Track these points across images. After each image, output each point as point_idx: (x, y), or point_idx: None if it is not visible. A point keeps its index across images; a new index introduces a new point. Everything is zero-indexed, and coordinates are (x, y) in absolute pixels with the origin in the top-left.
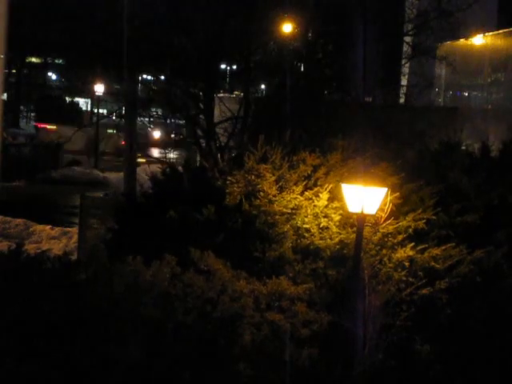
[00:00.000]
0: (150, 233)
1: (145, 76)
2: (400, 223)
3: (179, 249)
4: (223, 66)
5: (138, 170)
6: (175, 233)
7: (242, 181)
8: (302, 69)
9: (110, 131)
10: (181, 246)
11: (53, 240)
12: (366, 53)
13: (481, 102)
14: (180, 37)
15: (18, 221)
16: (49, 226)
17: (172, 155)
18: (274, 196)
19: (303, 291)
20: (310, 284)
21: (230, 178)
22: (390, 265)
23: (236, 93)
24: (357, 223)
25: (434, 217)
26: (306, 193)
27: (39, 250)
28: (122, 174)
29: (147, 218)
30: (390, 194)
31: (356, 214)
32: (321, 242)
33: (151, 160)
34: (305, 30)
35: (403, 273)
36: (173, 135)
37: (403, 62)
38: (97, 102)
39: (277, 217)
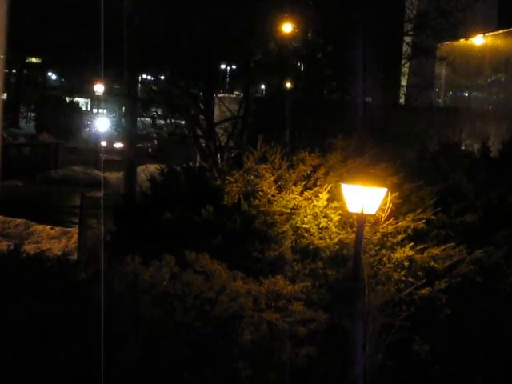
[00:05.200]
0: (148, 233)
1: (145, 76)
2: (400, 223)
3: (178, 249)
4: (223, 66)
5: (138, 170)
6: (174, 233)
7: (241, 180)
8: (302, 69)
9: None
10: (179, 247)
11: (53, 240)
12: (365, 53)
13: (481, 102)
14: (180, 37)
15: (18, 221)
16: (49, 226)
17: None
18: (273, 196)
19: (300, 290)
20: (307, 282)
21: (228, 178)
22: (390, 265)
23: (236, 93)
24: (356, 223)
25: (433, 217)
26: (306, 193)
27: (39, 250)
28: (121, 174)
29: (146, 218)
30: (390, 194)
31: (356, 214)
32: (320, 241)
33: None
34: (305, 30)
35: (403, 273)
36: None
37: (403, 62)
38: (97, 102)
39: (276, 217)
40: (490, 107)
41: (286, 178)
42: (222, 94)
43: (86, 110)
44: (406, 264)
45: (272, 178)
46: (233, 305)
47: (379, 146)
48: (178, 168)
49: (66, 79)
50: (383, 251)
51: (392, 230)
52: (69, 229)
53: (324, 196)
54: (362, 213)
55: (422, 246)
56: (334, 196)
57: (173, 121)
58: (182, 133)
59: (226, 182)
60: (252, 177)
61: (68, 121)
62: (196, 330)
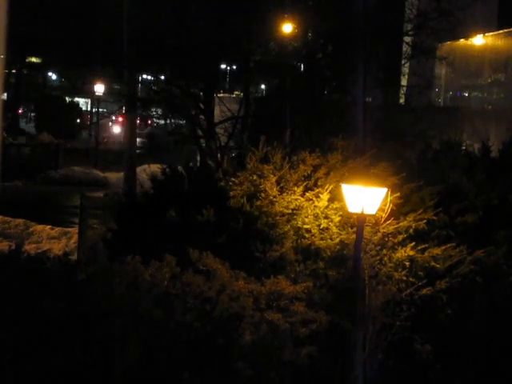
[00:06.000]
0: (149, 233)
1: (145, 76)
2: (400, 223)
3: (179, 249)
4: (223, 66)
5: (138, 169)
6: (175, 233)
7: (246, 182)
8: (302, 69)
9: None
10: (181, 247)
11: (53, 240)
12: (365, 53)
13: (481, 102)
14: (180, 37)
15: (18, 221)
16: (49, 226)
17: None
18: (275, 197)
19: (301, 290)
20: (309, 283)
21: (233, 180)
22: (391, 265)
23: (236, 93)
24: (357, 223)
25: (434, 217)
26: (307, 193)
27: (39, 250)
28: (122, 174)
29: (147, 218)
30: (391, 194)
31: (356, 214)
32: (321, 242)
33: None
34: (305, 30)
35: (403, 273)
36: None
37: (403, 62)
38: (97, 102)
39: (277, 217)
40: (490, 107)
41: (287, 179)
42: (221, 94)
43: (86, 110)
44: (407, 264)
45: (274, 179)
46: (233, 305)
47: (379, 146)
48: (179, 168)
49: (66, 79)
50: (384, 251)
51: (393, 230)
52: (69, 229)
53: (325, 197)
54: (362, 213)
55: (423, 246)
56: (335, 196)
57: (173, 120)
58: (182, 133)
59: (231, 183)
60: (255, 177)
61: (68, 121)
62: (196, 329)
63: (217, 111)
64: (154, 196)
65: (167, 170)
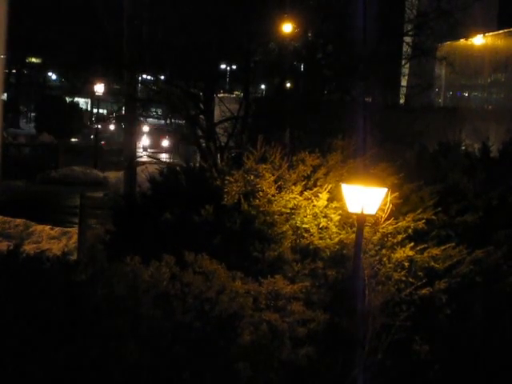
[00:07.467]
0: (148, 233)
1: (145, 76)
2: (400, 223)
3: (178, 249)
4: (223, 66)
5: (138, 170)
6: (174, 233)
7: (241, 180)
8: (302, 69)
9: None
10: (179, 247)
11: (53, 240)
12: (366, 53)
13: (481, 102)
14: (180, 37)
15: (18, 221)
16: (49, 226)
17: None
18: (273, 196)
19: (299, 290)
20: (306, 282)
21: (228, 178)
22: (390, 265)
23: (236, 93)
24: (356, 223)
25: (433, 217)
26: (306, 193)
27: (39, 250)
28: (121, 173)
29: (146, 218)
30: (390, 194)
31: (356, 214)
32: (320, 241)
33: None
34: (305, 30)
35: (403, 273)
36: None
37: (403, 62)
38: (97, 102)
39: (276, 217)
40: (490, 107)
41: (286, 178)
42: (222, 94)
43: (86, 110)
44: (406, 264)
45: (272, 178)
46: (232, 305)
47: (379, 146)
48: (177, 168)
49: (66, 79)
50: (383, 251)
51: (392, 230)
52: (69, 229)
53: (324, 196)
54: (361, 213)
55: (422, 246)
56: (334, 196)
57: (173, 120)
58: (182, 133)
59: (226, 182)
60: (252, 177)
61: (68, 121)
62: (196, 330)
63: (217, 111)
64: (152, 197)
65: (165, 170)
